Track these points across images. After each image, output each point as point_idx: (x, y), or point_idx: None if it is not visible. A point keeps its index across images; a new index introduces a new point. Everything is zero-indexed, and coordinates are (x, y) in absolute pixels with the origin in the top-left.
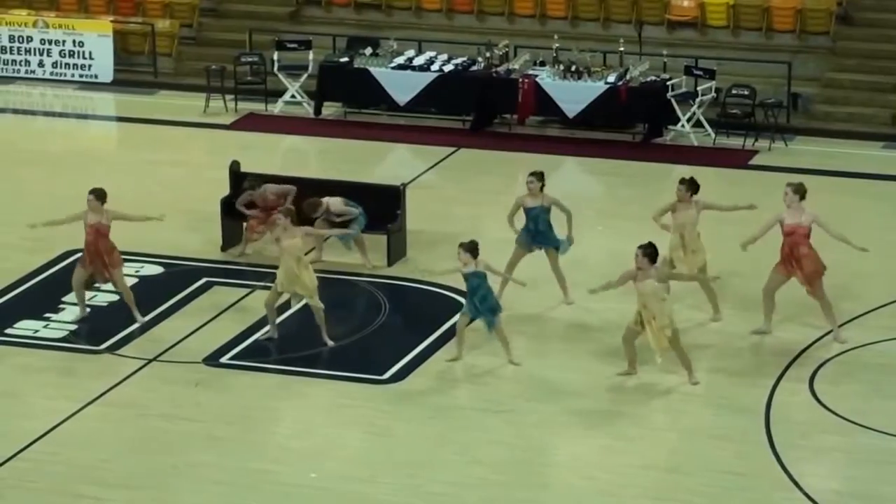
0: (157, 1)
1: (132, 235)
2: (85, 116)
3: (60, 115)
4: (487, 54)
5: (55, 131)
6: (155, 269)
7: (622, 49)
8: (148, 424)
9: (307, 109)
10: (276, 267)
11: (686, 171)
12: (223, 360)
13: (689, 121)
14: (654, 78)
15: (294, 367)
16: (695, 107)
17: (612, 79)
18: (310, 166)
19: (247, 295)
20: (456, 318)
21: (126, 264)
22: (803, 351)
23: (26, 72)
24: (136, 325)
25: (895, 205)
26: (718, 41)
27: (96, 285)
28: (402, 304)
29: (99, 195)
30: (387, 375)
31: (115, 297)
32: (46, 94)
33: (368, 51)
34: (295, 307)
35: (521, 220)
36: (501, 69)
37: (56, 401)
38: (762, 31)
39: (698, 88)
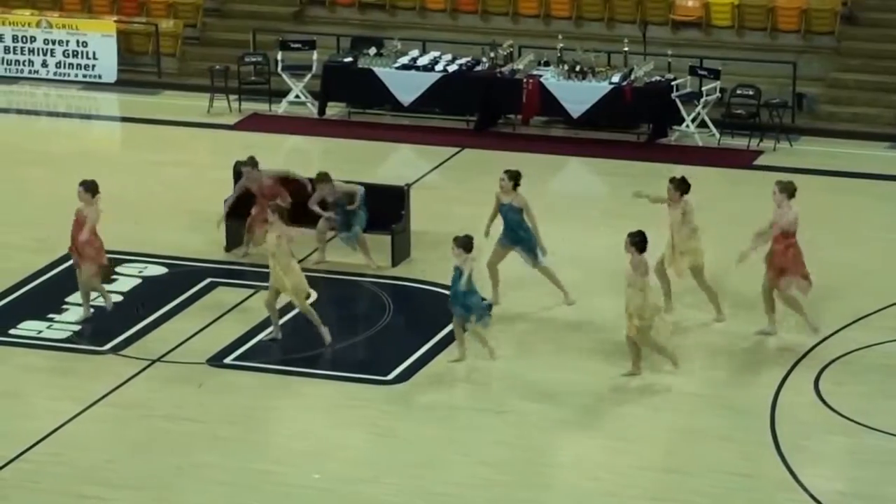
0: (161, 1)
1: (136, 236)
2: (89, 117)
3: (64, 115)
4: (492, 54)
5: (59, 131)
6: (159, 270)
7: (626, 49)
8: (151, 425)
9: (311, 110)
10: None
11: (690, 171)
12: (227, 360)
13: (693, 121)
14: (658, 78)
15: (298, 368)
16: (699, 107)
17: (616, 79)
18: (313, 167)
19: (251, 296)
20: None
21: (129, 265)
22: (808, 351)
23: (30, 72)
24: (80, 317)
25: None
26: (723, 41)
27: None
28: (407, 305)
29: (87, 187)
30: (391, 376)
31: (119, 298)
32: (50, 95)
33: (372, 51)
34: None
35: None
36: (506, 69)
37: (59, 401)
38: (767, 31)
39: (703, 88)
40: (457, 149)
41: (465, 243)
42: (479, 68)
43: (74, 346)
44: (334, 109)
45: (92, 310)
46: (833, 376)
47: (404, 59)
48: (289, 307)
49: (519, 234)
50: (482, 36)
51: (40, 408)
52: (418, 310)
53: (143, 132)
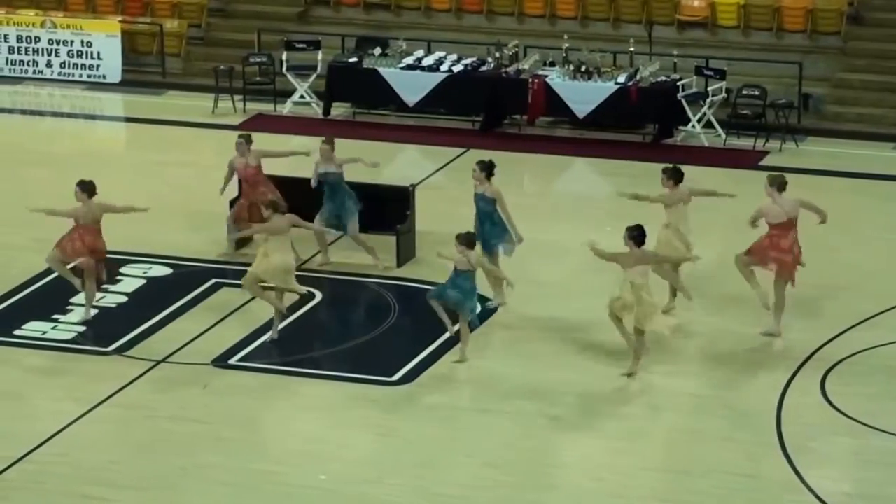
0: (166, 1)
1: (140, 236)
2: (93, 117)
3: (68, 115)
4: (497, 54)
5: (63, 132)
6: (164, 270)
7: (632, 49)
8: (156, 426)
9: (316, 110)
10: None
11: (696, 171)
12: (232, 361)
13: (699, 121)
14: (664, 78)
15: (302, 369)
16: (705, 107)
17: (622, 79)
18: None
19: (256, 296)
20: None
21: (134, 265)
22: (814, 352)
23: (34, 72)
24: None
25: None
26: (729, 41)
27: (105, 286)
28: (412, 306)
29: (84, 187)
30: (396, 377)
31: (124, 299)
32: (54, 95)
33: (377, 51)
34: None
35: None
36: (511, 69)
37: (64, 402)
38: (773, 32)
39: (709, 89)
40: (462, 149)
41: (467, 240)
42: (484, 68)
43: (79, 346)
44: (339, 110)
45: (94, 311)
46: (839, 377)
47: (409, 60)
48: (294, 308)
49: (485, 226)
50: (487, 36)
51: (45, 408)
52: (423, 310)
53: (147, 132)
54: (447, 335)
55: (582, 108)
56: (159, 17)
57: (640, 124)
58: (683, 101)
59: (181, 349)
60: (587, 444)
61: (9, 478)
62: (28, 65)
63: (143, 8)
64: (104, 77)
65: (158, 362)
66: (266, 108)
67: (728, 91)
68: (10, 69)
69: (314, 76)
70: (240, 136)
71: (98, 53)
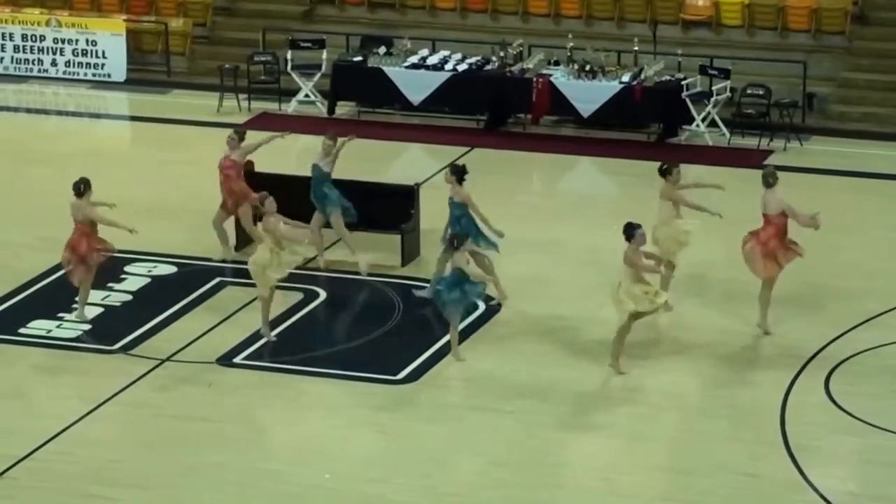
0: (171, 0)
1: (145, 235)
2: (98, 116)
3: (73, 114)
4: (501, 53)
5: (68, 130)
6: (168, 269)
7: (637, 48)
8: (160, 424)
9: (321, 109)
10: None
11: (701, 171)
12: (237, 360)
13: (703, 120)
14: (668, 77)
15: (307, 368)
16: (710, 106)
17: (626, 78)
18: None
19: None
20: (468, 319)
21: (139, 264)
22: (818, 352)
23: (39, 71)
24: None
25: None
26: (733, 41)
27: (109, 285)
28: (416, 304)
29: (73, 187)
30: (401, 376)
31: (129, 298)
32: (59, 93)
33: (382, 50)
34: (308, 308)
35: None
36: (515, 68)
37: (68, 401)
38: (777, 31)
39: (713, 88)
40: (466, 148)
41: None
42: (488, 67)
43: (84, 345)
44: (344, 109)
45: (94, 311)
46: (843, 377)
47: (414, 59)
48: (299, 307)
49: (455, 229)
50: (492, 35)
51: (49, 407)
52: (428, 309)
53: (152, 131)
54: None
55: (586, 108)
56: (164, 15)
57: (644, 123)
58: (688, 101)
59: (186, 348)
60: (592, 444)
61: (14, 476)
62: (33, 63)
63: (148, 7)
64: (109, 76)
65: (163, 361)
66: (271, 106)
67: (732, 90)
68: (15, 68)
69: (319, 75)
70: (234, 132)
71: (103, 52)
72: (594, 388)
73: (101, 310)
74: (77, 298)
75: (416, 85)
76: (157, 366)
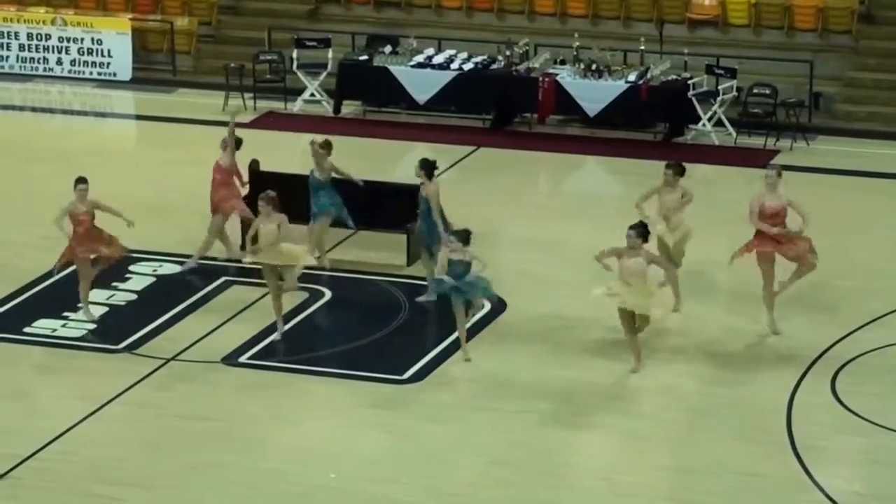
0: None
1: (150, 234)
2: (103, 114)
3: (79, 113)
4: (507, 53)
5: (73, 129)
6: (173, 268)
7: (643, 48)
8: (165, 424)
9: (326, 108)
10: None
11: (707, 170)
12: (242, 359)
13: (710, 120)
14: (675, 77)
15: (312, 367)
16: (716, 106)
17: (632, 77)
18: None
19: (266, 294)
20: (472, 318)
21: (144, 263)
22: (824, 352)
23: (45, 69)
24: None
25: None
26: (740, 40)
27: (114, 284)
28: (422, 304)
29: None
30: (406, 375)
31: (134, 297)
32: (65, 92)
33: (388, 49)
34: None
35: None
36: (522, 68)
37: (73, 400)
38: (784, 30)
39: (719, 87)
40: (472, 147)
41: (463, 237)
42: (494, 67)
43: (89, 344)
44: (349, 108)
45: (98, 310)
46: (849, 377)
47: (420, 58)
48: (304, 306)
49: (422, 226)
50: (498, 34)
51: (54, 406)
52: (434, 309)
53: (157, 130)
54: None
55: (592, 107)
56: (170, 14)
57: (650, 123)
58: (694, 100)
59: (191, 347)
60: (596, 443)
61: (18, 475)
62: (38, 62)
63: (154, 5)
64: (114, 75)
65: (168, 360)
66: (276, 105)
67: (739, 90)
68: (20, 66)
69: (325, 74)
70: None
71: (108, 51)
72: (598, 387)
73: (105, 309)
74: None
75: (421, 84)
76: (161, 365)
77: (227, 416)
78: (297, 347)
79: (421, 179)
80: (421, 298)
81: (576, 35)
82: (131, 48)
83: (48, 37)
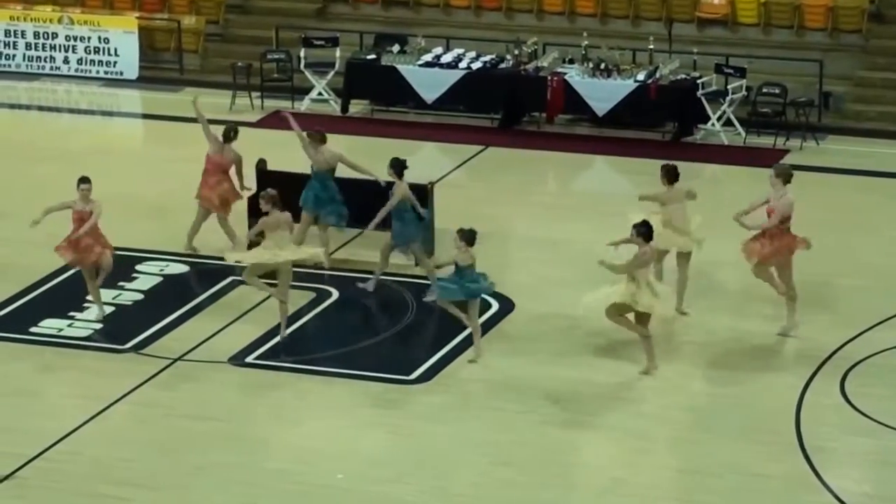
0: None
1: (156, 234)
2: (110, 113)
3: (85, 112)
4: (516, 52)
5: (80, 128)
6: (181, 268)
7: (652, 47)
8: (171, 424)
9: (334, 107)
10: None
11: (716, 170)
12: (248, 359)
13: (719, 119)
14: (684, 76)
15: (320, 367)
16: (725, 105)
17: (641, 77)
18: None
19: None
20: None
21: (151, 263)
22: (834, 352)
23: (51, 68)
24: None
25: None
26: (749, 39)
27: (121, 284)
28: (429, 304)
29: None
30: (413, 376)
31: (140, 297)
32: (71, 91)
33: (396, 48)
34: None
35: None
36: (530, 67)
37: (79, 400)
38: (793, 29)
39: (729, 87)
40: (481, 147)
41: (468, 237)
42: (503, 66)
43: (95, 344)
44: (357, 107)
45: (111, 308)
46: (859, 377)
47: (428, 57)
48: (311, 306)
49: (395, 225)
50: (506, 33)
51: (60, 406)
52: (441, 309)
53: (164, 129)
54: (466, 333)
55: (601, 106)
56: (177, 13)
57: (659, 122)
58: (703, 100)
59: (197, 347)
60: (603, 444)
61: (24, 475)
62: (45, 61)
63: (161, 4)
64: (121, 73)
65: (174, 360)
66: (284, 105)
67: (748, 89)
68: (27, 65)
69: (332, 73)
70: (234, 132)
71: (115, 50)
72: (605, 387)
73: (112, 309)
74: (90, 297)
75: (429, 83)
76: (168, 365)
77: (233, 417)
78: (305, 348)
79: (392, 178)
80: (429, 298)
81: (584, 34)
82: (138, 47)
83: (55, 35)
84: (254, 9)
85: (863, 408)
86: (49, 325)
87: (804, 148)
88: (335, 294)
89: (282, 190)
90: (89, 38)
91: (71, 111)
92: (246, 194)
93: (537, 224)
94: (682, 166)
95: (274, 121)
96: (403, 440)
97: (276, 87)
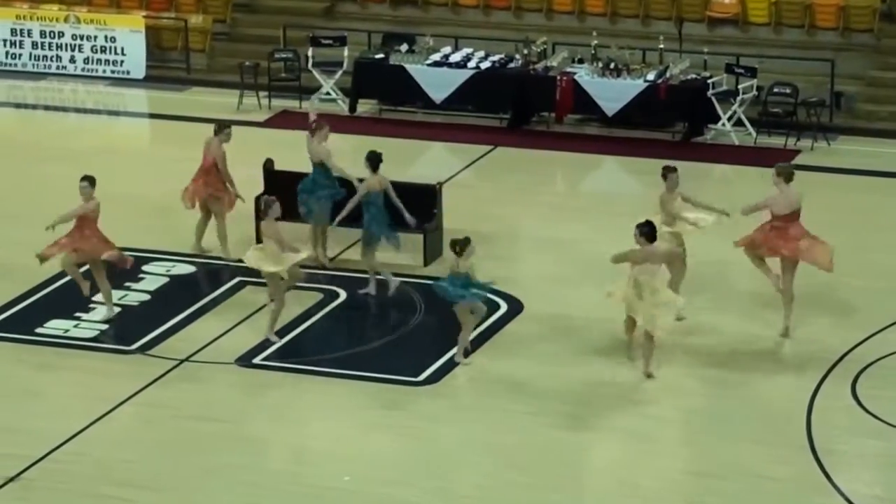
0: None
1: (163, 234)
2: (116, 113)
3: (92, 111)
4: (525, 51)
5: (86, 128)
6: (187, 269)
7: (662, 46)
8: (178, 425)
9: (342, 107)
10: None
11: (727, 170)
12: (256, 360)
13: (729, 119)
14: (694, 76)
15: (327, 368)
16: (736, 105)
17: (651, 77)
18: (344, 164)
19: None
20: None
21: (157, 263)
22: (846, 354)
23: (58, 67)
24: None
25: None
26: (760, 38)
27: (127, 284)
28: (438, 305)
29: (93, 183)
30: (421, 377)
31: (147, 297)
32: (78, 90)
33: (404, 47)
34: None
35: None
36: (539, 66)
37: (85, 401)
38: (804, 29)
39: (739, 87)
40: (490, 147)
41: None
42: (512, 65)
43: (101, 345)
44: (365, 106)
45: (118, 309)
46: (870, 380)
47: (436, 56)
48: (318, 307)
49: (365, 218)
50: (515, 32)
51: (66, 407)
52: (449, 310)
53: (171, 129)
54: (475, 334)
55: (611, 106)
56: (184, 12)
57: (669, 122)
58: (713, 99)
59: (204, 348)
60: (611, 446)
61: (29, 476)
62: (51, 60)
63: (168, 3)
64: (128, 73)
65: (181, 361)
66: (291, 104)
67: (759, 89)
68: (33, 65)
69: (340, 72)
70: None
71: (122, 49)
72: (612, 389)
73: (118, 309)
74: (100, 297)
75: (438, 83)
76: (175, 366)
77: (240, 418)
78: (312, 349)
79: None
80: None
81: (594, 33)
82: (145, 46)
83: (61, 34)
84: (261, 8)
85: (874, 410)
86: (55, 326)
87: (815, 148)
88: (343, 295)
89: (289, 190)
90: (96, 38)
91: (77, 111)
92: (234, 194)
93: (546, 224)
94: (693, 167)
95: (281, 120)
96: (409, 442)
97: (284, 87)
